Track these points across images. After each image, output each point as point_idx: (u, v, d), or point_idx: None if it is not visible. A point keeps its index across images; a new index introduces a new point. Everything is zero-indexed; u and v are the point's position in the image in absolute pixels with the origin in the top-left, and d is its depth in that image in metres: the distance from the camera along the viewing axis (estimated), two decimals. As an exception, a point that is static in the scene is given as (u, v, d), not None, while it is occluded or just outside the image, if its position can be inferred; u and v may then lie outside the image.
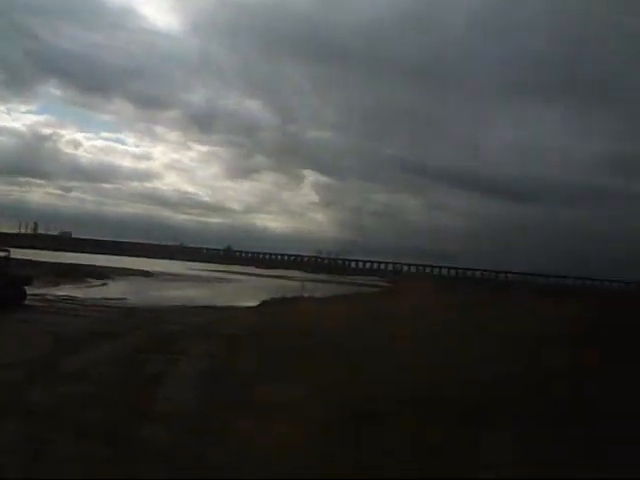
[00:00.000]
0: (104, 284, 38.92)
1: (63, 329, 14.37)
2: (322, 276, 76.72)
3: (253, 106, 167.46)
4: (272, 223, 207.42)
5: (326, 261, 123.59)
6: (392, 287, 54.33)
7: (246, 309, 24.90)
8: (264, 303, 28.04)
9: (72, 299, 24.89)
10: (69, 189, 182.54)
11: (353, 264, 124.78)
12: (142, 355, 11.39)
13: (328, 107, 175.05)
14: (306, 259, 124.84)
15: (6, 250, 20.15)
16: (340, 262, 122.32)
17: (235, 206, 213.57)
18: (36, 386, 8.52)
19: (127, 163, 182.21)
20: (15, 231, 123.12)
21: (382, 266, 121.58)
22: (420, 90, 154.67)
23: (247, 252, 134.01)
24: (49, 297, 24.62)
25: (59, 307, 20.70)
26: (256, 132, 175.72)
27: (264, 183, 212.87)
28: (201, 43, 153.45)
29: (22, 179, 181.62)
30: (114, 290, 34.59)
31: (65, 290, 30.32)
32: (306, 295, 34.76)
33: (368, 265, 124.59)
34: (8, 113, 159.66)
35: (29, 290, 24.76)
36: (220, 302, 30.68)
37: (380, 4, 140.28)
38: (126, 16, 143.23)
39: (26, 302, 20.12)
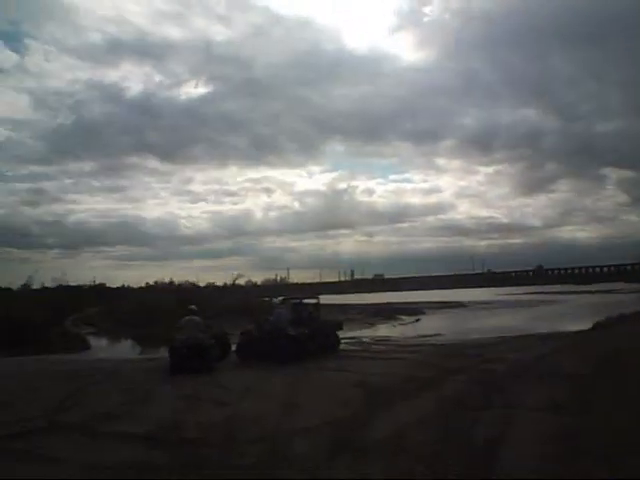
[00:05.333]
0: (417, 320, 38.14)
1: (376, 378, 12.90)
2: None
3: (529, 113, 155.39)
4: (580, 233, 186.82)
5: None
6: None
7: (576, 335, 20.80)
8: (598, 325, 23.46)
9: (386, 339, 24.10)
10: (373, 234, 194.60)
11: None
12: (467, 411, 9.06)
13: (613, 93, 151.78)
14: (629, 267, 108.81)
15: (315, 297, 20.10)
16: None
17: (536, 222, 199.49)
18: (337, 463, 6.84)
19: (418, 200, 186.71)
20: (335, 279, 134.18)
21: None
22: None
23: (560, 269, 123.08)
24: (364, 339, 24.22)
25: (373, 350, 19.79)
26: (539, 140, 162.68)
27: (561, 192, 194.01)
28: (459, 66, 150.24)
29: (332, 232, 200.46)
30: (428, 325, 33.35)
31: (379, 330, 30.10)
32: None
33: None
34: (310, 177, 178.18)
35: (345, 333, 24.82)
36: (543, 328, 26.89)
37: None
38: (380, 62, 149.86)
39: (342, 346, 19.63)
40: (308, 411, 9.78)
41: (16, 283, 46.48)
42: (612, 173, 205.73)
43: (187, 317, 16.09)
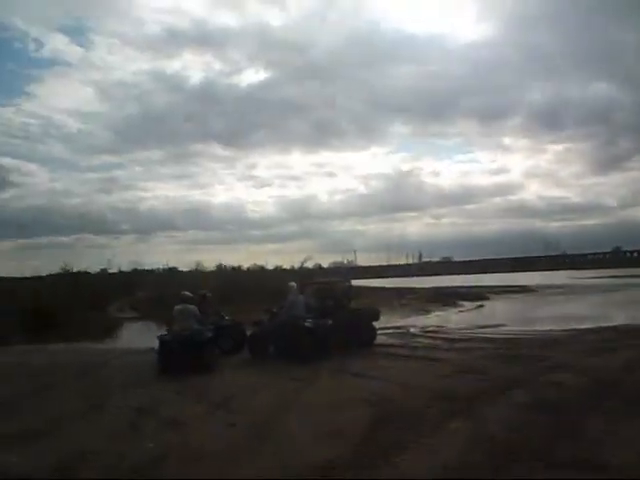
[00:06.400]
0: (480, 306, 34.21)
1: (399, 391, 9.63)
2: None
3: (601, 87, 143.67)
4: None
5: None
6: None
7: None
8: None
9: (437, 330, 20.61)
10: (440, 216, 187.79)
11: None
12: (515, 466, 5.67)
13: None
14: None
15: (346, 280, 16.92)
16: None
17: (611, 202, 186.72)
18: None
19: (485, 181, 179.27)
20: (403, 262, 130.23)
21: None
22: None
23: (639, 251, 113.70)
24: (412, 330, 20.86)
25: (415, 346, 16.39)
26: (612, 115, 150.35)
27: (637, 170, 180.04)
28: (522, 40, 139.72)
29: (399, 214, 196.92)
30: (490, 313, 29.47)
31: (434, 318, 26.54)
32: None
33: None
34: (373, 158, 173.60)
35: (394, 322, 22.08)
36: (625, 319, 22.55)
37: None
38: (440, 40, 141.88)
39: (382, 338, 16.52)
40: (276, 448, 6.68)
41: (94, 268, 45.13)
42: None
43: (179, 306, 13.29)
